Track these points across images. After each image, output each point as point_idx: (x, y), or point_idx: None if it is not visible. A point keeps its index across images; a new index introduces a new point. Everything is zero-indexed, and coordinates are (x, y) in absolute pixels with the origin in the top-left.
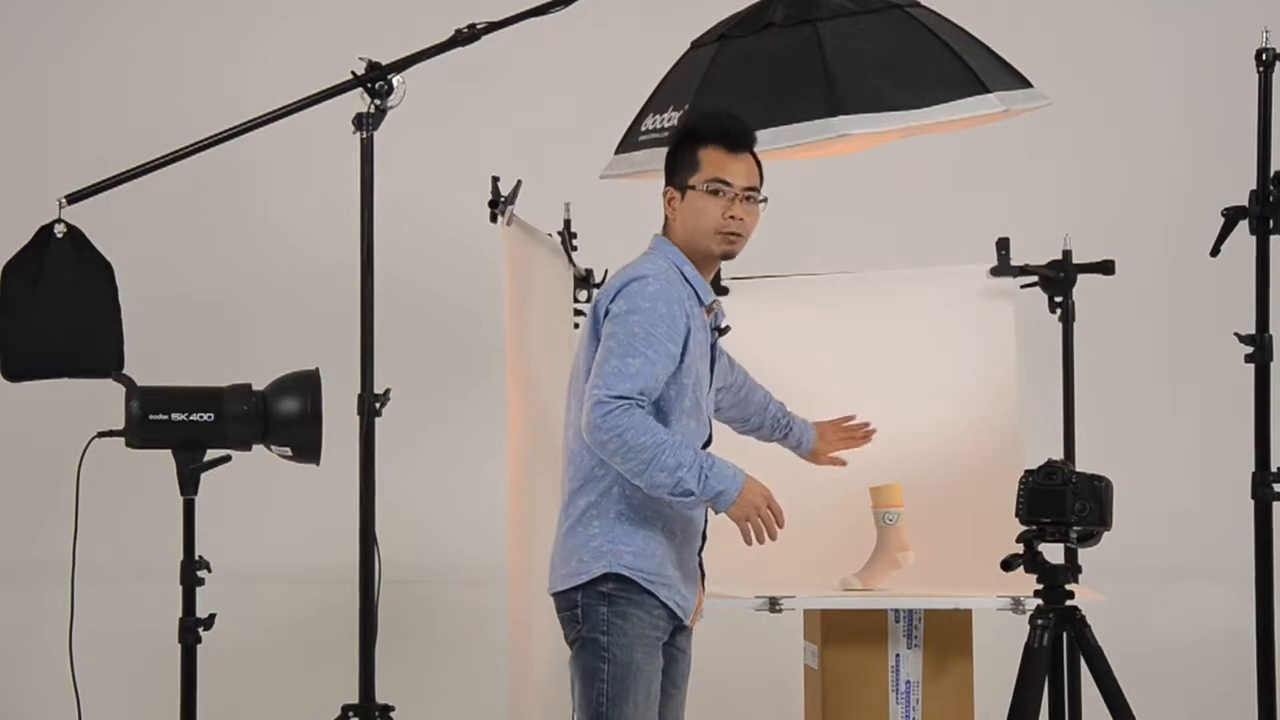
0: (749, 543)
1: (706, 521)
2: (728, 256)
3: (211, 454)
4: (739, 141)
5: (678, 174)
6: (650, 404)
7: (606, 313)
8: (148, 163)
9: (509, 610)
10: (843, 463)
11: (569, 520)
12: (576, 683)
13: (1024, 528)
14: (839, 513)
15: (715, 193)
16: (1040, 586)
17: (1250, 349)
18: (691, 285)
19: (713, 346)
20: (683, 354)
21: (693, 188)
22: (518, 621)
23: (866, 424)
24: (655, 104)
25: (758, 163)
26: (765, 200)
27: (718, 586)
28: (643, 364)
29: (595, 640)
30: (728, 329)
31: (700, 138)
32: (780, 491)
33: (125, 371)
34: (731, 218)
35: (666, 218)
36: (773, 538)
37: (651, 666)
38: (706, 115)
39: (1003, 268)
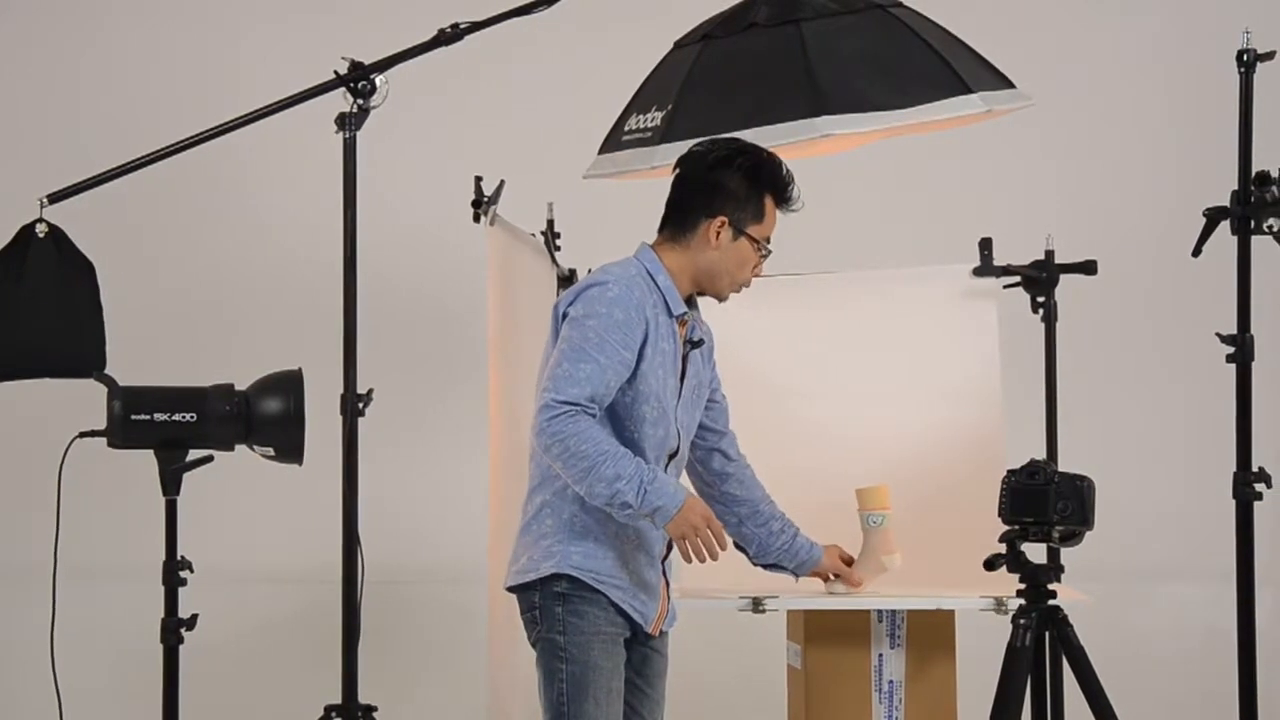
0: (688, 560)
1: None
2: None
3: (194, 454)
4: (793, 206)
5: (734, 209)
6: (600, 411)
7: (565, 315)
8: (130, 162)
9: (489, 610)
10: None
11: (525, 517)
12: (540, 683)
13: (1006, 527)
14: (824, 515)
15: (760, 252)
16: (1023, 586)
17: (1231, 349)
18: (662, 293)
19: (684, 359)
20: (639, 359)
21: (750, 237)
22: (497, 621)
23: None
24: (638, 104)
25: None
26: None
27: (701, 586)
28: (594, 370)
29: (553, 640)
30: (701, 342)
31: (770, 185)
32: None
33: (107, 371)
34: (754, 274)
35: (687, 233)
36: (713, 558)
37: (611, 663)
38: (778, 164)
39: (985, 268)
